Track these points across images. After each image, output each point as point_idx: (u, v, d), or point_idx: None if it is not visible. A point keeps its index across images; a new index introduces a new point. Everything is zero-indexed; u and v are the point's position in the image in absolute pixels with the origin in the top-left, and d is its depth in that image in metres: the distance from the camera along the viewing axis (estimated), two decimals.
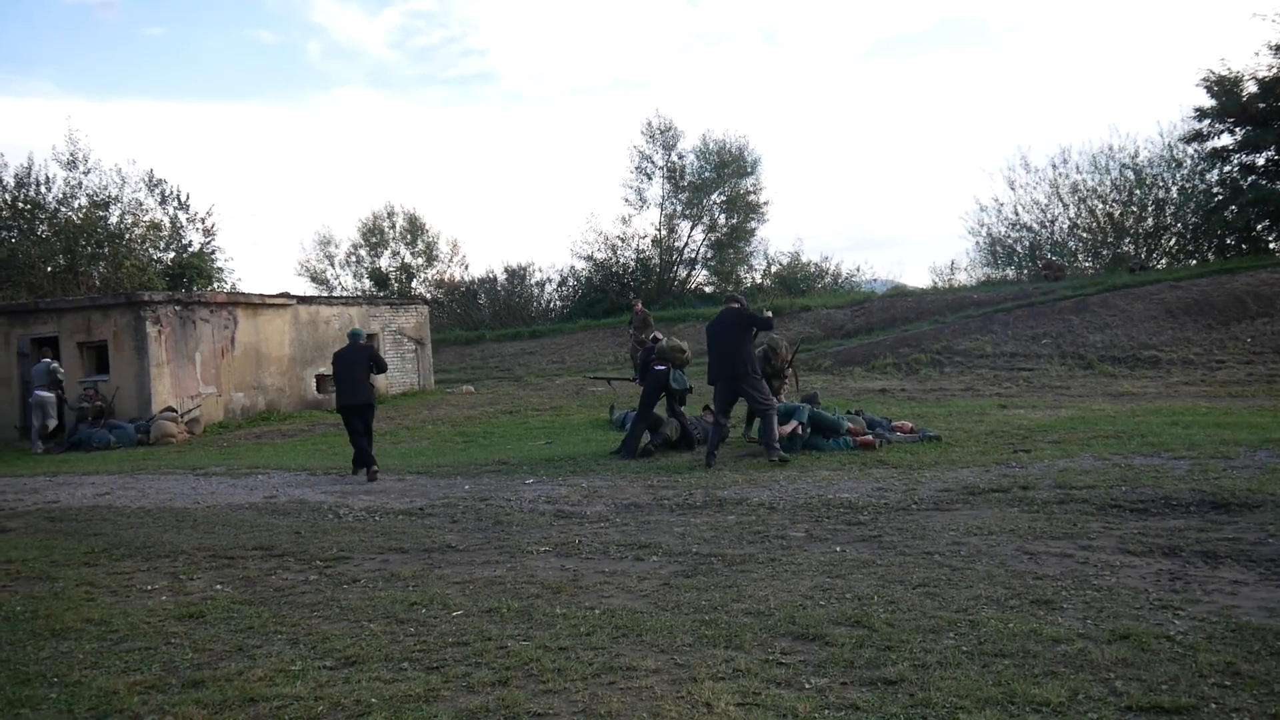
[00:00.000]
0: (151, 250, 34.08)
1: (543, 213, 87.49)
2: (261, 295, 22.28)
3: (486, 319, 42.16)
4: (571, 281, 43.60)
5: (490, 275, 45.23)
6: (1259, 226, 31.03)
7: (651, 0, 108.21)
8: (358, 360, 12.16)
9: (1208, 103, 30.67)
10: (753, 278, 42.30)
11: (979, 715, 3.67)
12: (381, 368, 12.49)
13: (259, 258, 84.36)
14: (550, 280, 44.31)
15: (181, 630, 5.32)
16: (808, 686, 4.06)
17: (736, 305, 11.45)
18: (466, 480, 10.95)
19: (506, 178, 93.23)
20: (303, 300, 23.28)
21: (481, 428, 17.70)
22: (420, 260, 47.52)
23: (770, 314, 11.68)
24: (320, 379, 23.00)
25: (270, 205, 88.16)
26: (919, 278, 61.46)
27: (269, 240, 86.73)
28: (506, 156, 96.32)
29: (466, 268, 47.89)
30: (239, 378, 21.06)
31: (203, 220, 35.25)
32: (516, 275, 44.17)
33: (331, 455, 14.78)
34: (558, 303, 43.41)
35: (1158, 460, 9.50)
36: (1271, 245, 30.95)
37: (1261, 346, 19.52)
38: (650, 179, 42.17)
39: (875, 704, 3.82)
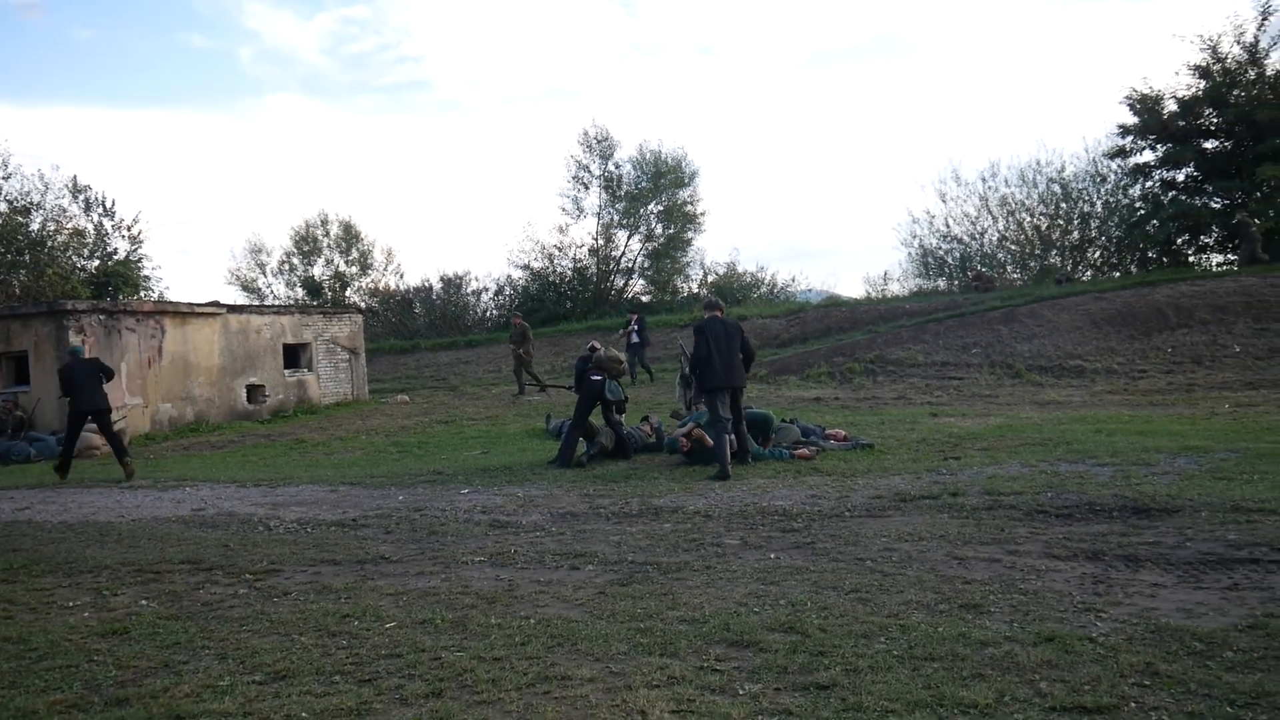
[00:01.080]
0: (75, 258, 33.26)
1: (479, 222, 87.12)
2: (190, 304, 21.85)
3: (422, 328, 41.92)
4: (508, 290, 43.53)
5: (426, 284, 45.08)
6: (1179, 240, 32.07)
7: (588, 10, 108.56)
8: (87, 372, 13.74)
9: (1131, 120, 31.68)
10: (689, 287, 42.62)
11: (909, 718, 3.74)
12: (110, 376, 13.98)
13: (188, 266, 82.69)
14: (486, 289, 44.30)
15: (104, 647, 5.19)
16: (741, 693, 4.09)
17: (720, 314, 11.35)
18: (401, 490, 10.85)
19: (443, 186, 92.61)
20: (233, 309, 22.86)
21: (416, 438, 17.54)
22: (355, 269, 47.20)
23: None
24: (251, 389, 22.61)
25: (201, 213, 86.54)
26: (853, 288, 62.41)
27: (199, 249, 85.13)
28: (442, 165, 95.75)
29: (401, 276, 47.74)
30: (166, 388, 20.59)
31: (129, 227, 34.52)
32: (452, 284, 44.00)
33: (263, 467, 14.53)
34: (494, 312, 43.31)
35: (1082, 467, 9.76)
36: (1190, 259, 31.97)
37: (1181, 356, 20.12)
38: (587, 189, 42.34)
39: (808, 709, 3.87)
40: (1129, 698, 3.84)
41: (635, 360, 23.97)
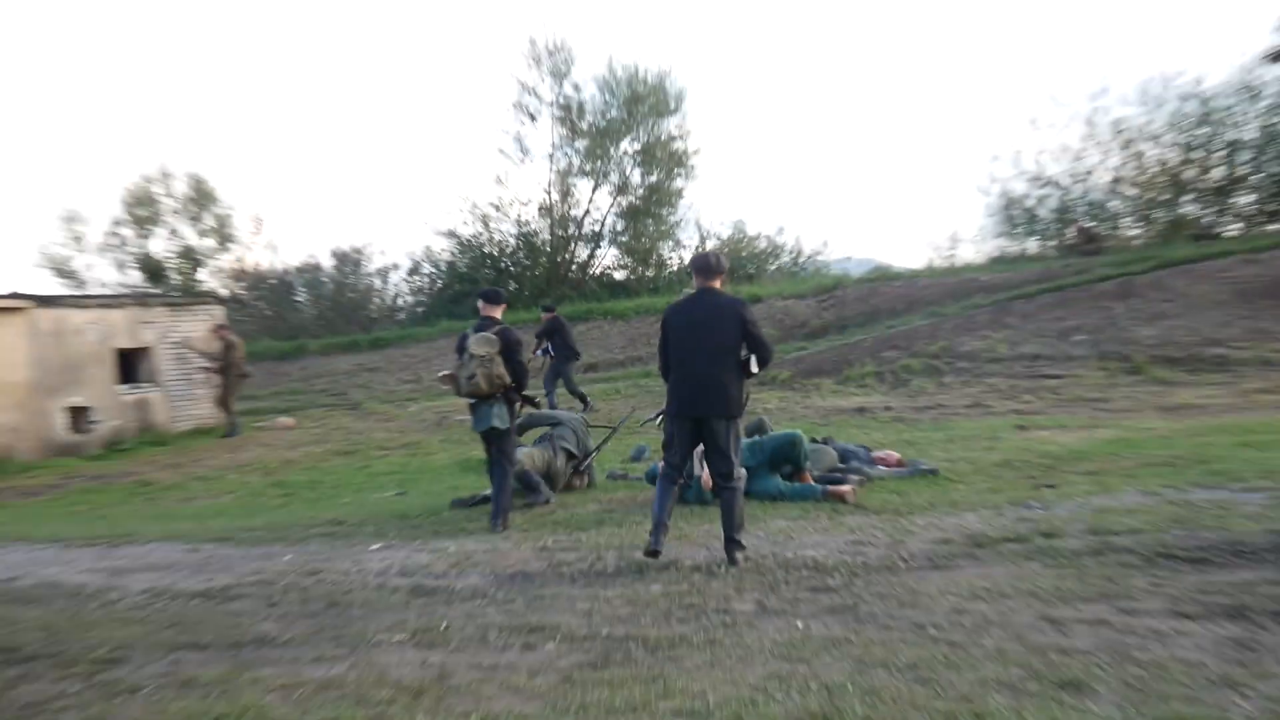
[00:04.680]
0: None
1: (386, 178, 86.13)
2: None
3: (308, 323, 41.97)
4: (428, 268, 43.63)
5: (312, 262, 44.85)
6: None
7: None
8: None
9: None
10: (680, 257, 42.41)
11: None
12: None
13: None
14: (397, 266, 44.33)
15: None
16: None
17: (718, 284, 9.24)
18: (287, 548, 10.90)
19: (329, 130, 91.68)
20: (44, 301, 22.76)
21: (306, 475, 17.64)
22: (211, 241, 46.35)
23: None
24: (74, 413, 22.53)
25: None
26: (908, 256, 62.35)
27: None
28: (328, 101, 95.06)
29: (276, 252, 47.34)
30: None
31: None
32: (349, 261, 43.91)
33: (96, 519, 14.54)
34: (408, 298, 43.69)
35: (1224, 494, 9.76)
36: None
37: None
38: (535, 120, 41.93)
39: None
40: None
41: (555, 383, 22.01)
